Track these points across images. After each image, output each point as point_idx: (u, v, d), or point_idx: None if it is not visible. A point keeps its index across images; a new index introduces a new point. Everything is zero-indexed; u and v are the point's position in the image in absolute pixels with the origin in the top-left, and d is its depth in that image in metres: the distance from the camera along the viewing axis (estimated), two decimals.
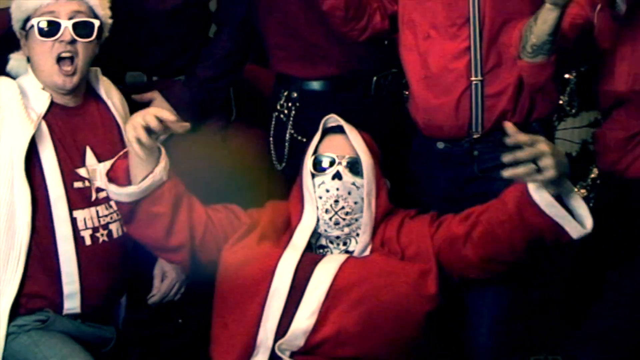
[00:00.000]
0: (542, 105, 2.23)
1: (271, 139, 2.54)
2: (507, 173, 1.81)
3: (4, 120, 2.09)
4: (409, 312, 1.99)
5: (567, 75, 2.98)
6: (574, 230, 1.89)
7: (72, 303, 2.10)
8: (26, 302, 2.07)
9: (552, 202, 1.87)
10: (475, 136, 2.17)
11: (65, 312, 2.10)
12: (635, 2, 2.17)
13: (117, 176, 2.02)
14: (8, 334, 2.07)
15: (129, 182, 2.00)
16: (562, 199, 1.90)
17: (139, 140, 1.85)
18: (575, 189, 2.86)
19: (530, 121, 2.20)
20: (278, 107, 2.49)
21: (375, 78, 2.47)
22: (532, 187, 1.88)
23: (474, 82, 2.17)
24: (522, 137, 1.80)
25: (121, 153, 2.07)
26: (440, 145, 2.28)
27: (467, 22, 2.18)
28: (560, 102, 2.95)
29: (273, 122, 2.52)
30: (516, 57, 2.15)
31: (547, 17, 2.02)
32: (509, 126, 1.82)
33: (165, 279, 2.27)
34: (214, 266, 2.09)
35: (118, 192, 2.00)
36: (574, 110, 3.08)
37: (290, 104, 2.47)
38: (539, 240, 1.93)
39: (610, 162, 2.32)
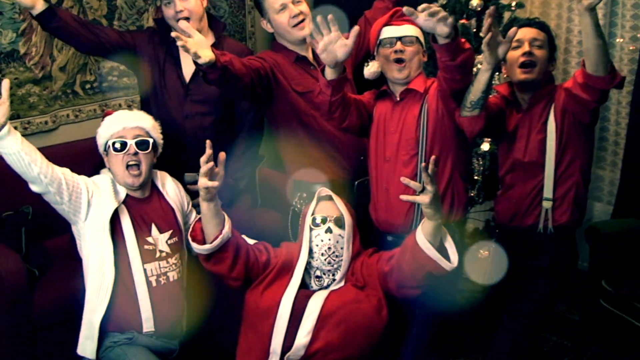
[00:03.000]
0: (457, 212, 2.70)
1: (289, 224, 3.02)
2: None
3: (101, 196, 2.55)
4: (372, 327, 2.48)
5: (476, 177, 3.48)
6: (446, 265, 2.36)
7: (148, 325, 2.57)
8: (119, 324, 2.54)
9: (429, 246, 2.35)
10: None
11: (144, 331, 2.57)
12: (533, 101, 2.64)
13: (195, 234, 2.53)
14: (106, 347, 2.53)
15: (204, 240, 2.51)
16: (443, 244, 2.38)
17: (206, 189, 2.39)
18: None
19: (450, 222, 2.65)
20: (293, 203, 3.03)
21: (356, 182, 3.01)
22: (418, 238, 2.36)
23: None
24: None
25: (197, 217, 2.61)
26: (390, 237, 2.75)
27: (416, 155, 2.64)
28: (472, 194, 3.47)
29: (290, 213, 3.03)
30: (457, 117, 2.50)
31: (481, 77, 2.37)
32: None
33: None
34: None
35: (198, 248, 2.52)
36: (480, 200, 3.57)
37: (301, 200, 3.01)
38: (429, 272, 2.39)
39: (508, 219, 2.78)
